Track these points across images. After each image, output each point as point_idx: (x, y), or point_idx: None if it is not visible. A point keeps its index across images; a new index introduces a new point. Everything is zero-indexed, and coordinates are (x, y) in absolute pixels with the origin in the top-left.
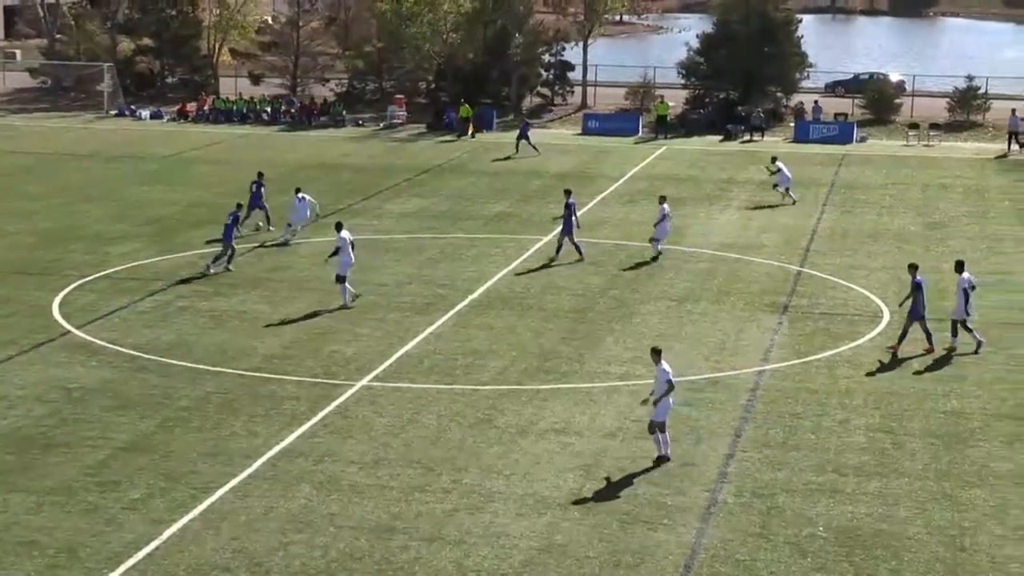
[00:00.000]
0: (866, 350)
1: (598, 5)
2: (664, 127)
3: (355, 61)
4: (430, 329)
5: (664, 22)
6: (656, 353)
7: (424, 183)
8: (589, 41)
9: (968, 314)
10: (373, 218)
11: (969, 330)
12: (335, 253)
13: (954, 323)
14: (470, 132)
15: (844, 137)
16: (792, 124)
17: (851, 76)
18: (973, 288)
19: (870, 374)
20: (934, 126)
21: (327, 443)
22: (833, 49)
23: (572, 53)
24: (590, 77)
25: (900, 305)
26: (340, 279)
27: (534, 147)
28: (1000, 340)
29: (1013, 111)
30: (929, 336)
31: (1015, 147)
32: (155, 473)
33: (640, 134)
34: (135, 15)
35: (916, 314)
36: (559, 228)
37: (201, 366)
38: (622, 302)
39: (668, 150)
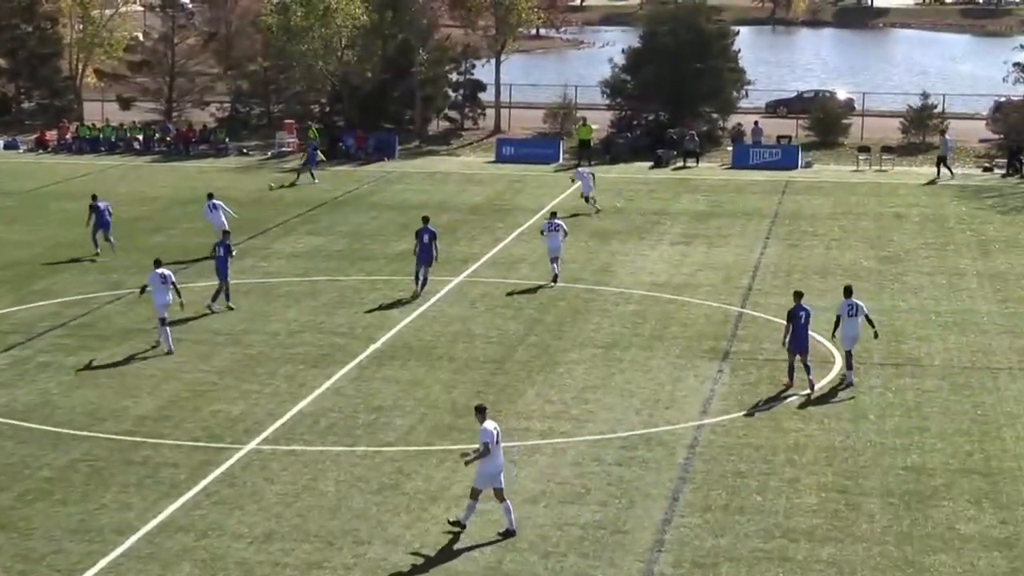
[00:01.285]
0: (816, 399)
1: (511, 17)
2: (587, 153)
3: (238, 82)
4: (327, 384)
5: (585, 36)
6: (480, 412)
7: (318, 218)
8: (502, 57)
9: (834, 339)
10: (261, 259)
11: (851, 366)
12: (143, 290)
13: (847, 354)
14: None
15: (788, 162)
16: (730, 148)
17: (794, 94)
18: (855, 314)
19: (821, 426)
20: (886, 149)
21: (211, 515)
22: (773, 64)
23: (483, 71)
24: (504, 98)
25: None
26: (161, 321)
27: (311, 174)
28: (964, 387)
29: (942, 132)
30: (791, 370)
31: (944, 172)
32: (12, 555)
33: (560, 161)
34: None
35: (796, 347)
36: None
37: (65, 430)
38: (543, 350)
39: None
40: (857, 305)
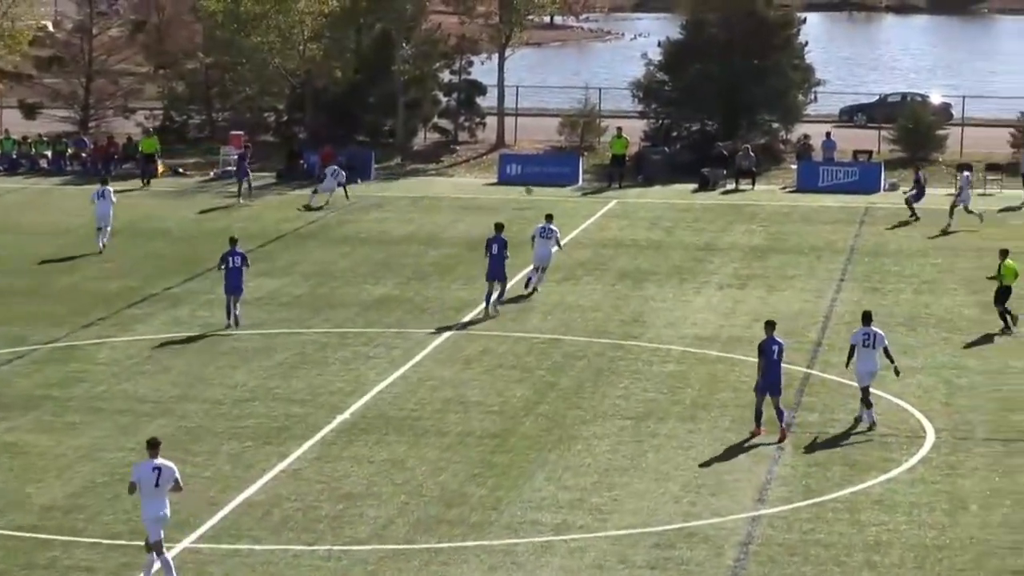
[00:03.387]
0: (903, 484)
1: (518, 1)
2: (620, 172)
3: (173, 83)
4: (282, 465)
5: (612, 25)
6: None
7: (274, 256)
8: (507, 52)
9: (863, 377)
10: (201, 307)
11: (869, 404)
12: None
13: (863, 391)
14: (157, 174)
15: (868, 184)
16: (794, 166)
17: (876, 98)
18: (871, 345)
19: (909, 519)
20: (993, 167)
21: None
22: (850, 61)
23: (484, 69)
24: (509, 103)
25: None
26: None
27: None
28: None
29: (963, 171)
30: (759, 416)
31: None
32: None
33: (580, 183)
34: None
35: (764, 386)
36: None
37: None
38: (557, 422)
39: (620, 204)
40: (875, 334)
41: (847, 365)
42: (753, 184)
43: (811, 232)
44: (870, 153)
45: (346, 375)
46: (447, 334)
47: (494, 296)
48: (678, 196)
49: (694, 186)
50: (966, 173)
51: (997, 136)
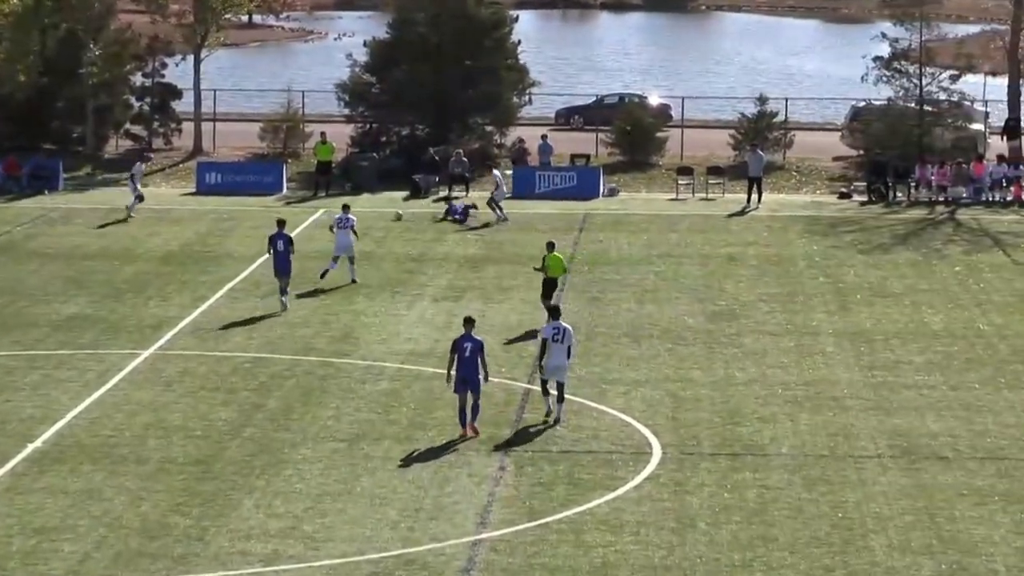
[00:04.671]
0: (630, 503)
1: (214, 0)
2: (327, 180)
3: None
4: None
5: (315, 24)
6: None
7: None
8: (203, 53)
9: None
10: None
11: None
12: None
13: (558, 385)
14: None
15: (586, 189)
16: (508, 171)
17: (593, 99)
18: (561, 340)
19: (637, 538)
20: (714, 170)
21: None
22: (565, 61)
23: (179, 72)
24: (206, 107)
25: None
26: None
27: None
28: (821, 481)
29: (753, 147)
30: (462, 415)
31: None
32: None
33: (285, 191)
34: None
35: (465, 385)
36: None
37: None
38: (265, 446)
39: (328, 214)
40: (564, 329)
41: (539, 361)
42: (467, 191)
43: (528, 241)
44: (588, 157)
45: (36, 400)
46: (144, 354)
47: (285, 296)
48: (388, 204)
49: (405, 193)
50: (496, 172)
51: (718, 139)
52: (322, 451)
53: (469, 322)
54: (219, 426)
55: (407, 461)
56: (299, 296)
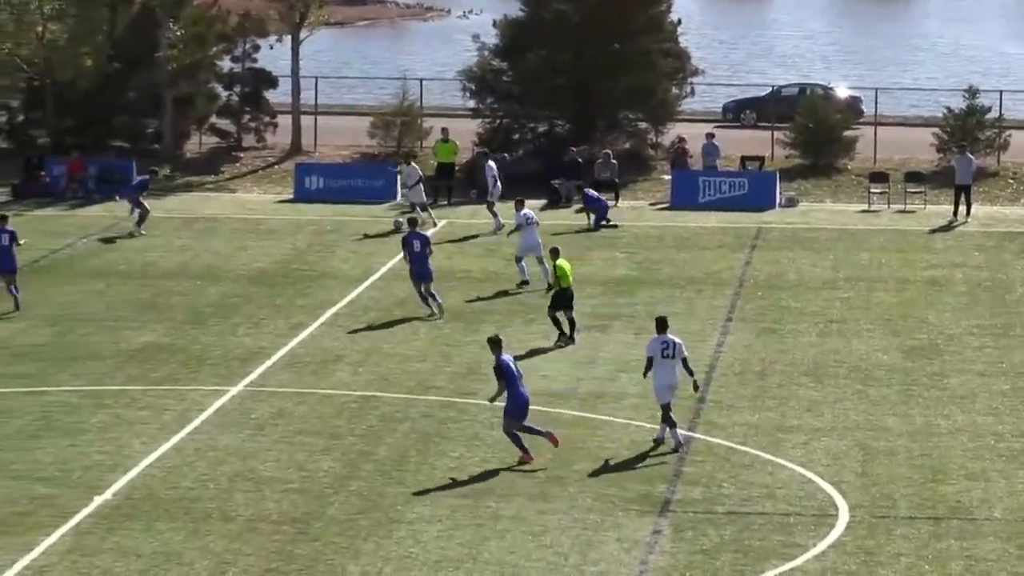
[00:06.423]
0: (811, 575)
1: None
2: (448, 183)
3: None
4: (25, 560)
5: (436, 1)
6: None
7: (4, 294)
8: (303, 34)
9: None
10: None
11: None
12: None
13: (664, 408)
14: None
15: (759, 198)
16: (667, 177)
17: (768, 91)
18: (671, 355)
19: None
20: (913, 177)
21: None
22: (734, 45)
23: (274, 56)
24: (307, 98)
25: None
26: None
27: None
28: None
29: (961, 149)
30: (518, 440)
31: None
32: None
33: (398, 198)
34: None
35: (518, 412)
36: None
37: None
38: (373, 502)
39: (450, 225)
40: (674, 343)
41: (644, 375)
42: (616, 199)
43: (689, 260)
44: (762, 160)
45: (104, 445)
46: (232, 392)
47: (439, 300)
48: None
49: (543, 202)
50: (489, 163)
51: (919, 139)
52: (442, 509)
53: (496, 344)
54: (320, 478)
55: (542, 522)
56: (410, 321)
